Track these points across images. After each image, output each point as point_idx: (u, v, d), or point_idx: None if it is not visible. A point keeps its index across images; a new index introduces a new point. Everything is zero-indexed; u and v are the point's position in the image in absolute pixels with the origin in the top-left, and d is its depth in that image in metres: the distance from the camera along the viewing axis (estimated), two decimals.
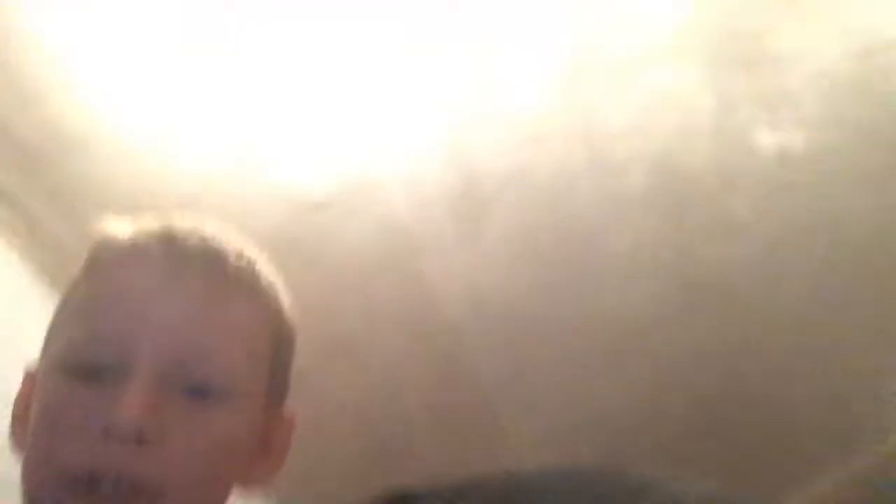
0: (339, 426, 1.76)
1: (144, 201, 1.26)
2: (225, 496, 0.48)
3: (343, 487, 1.80)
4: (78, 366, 0.45)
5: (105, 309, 0.46)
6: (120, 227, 0.49)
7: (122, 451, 0.41)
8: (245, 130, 1.28)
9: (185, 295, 0.46)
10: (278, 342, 0.51)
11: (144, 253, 0.47)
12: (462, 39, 1.26)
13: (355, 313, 1.64)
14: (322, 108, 1.29)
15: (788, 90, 1.33)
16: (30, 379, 0.49)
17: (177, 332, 0.45)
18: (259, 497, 0.51)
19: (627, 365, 1.76)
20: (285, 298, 0.52)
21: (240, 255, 0.49)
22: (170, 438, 0.43)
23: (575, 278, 1.60)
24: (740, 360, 1.76)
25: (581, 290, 1.62)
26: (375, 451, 1.80)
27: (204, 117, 1.25)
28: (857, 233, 1.52)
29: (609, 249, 1.54)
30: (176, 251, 0.47)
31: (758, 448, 1.87)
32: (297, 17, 1.19)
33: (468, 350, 1.71)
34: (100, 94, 1.22)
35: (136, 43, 1.17)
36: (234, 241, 0.50)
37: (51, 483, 0.43)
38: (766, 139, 1.38)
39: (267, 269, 0.51)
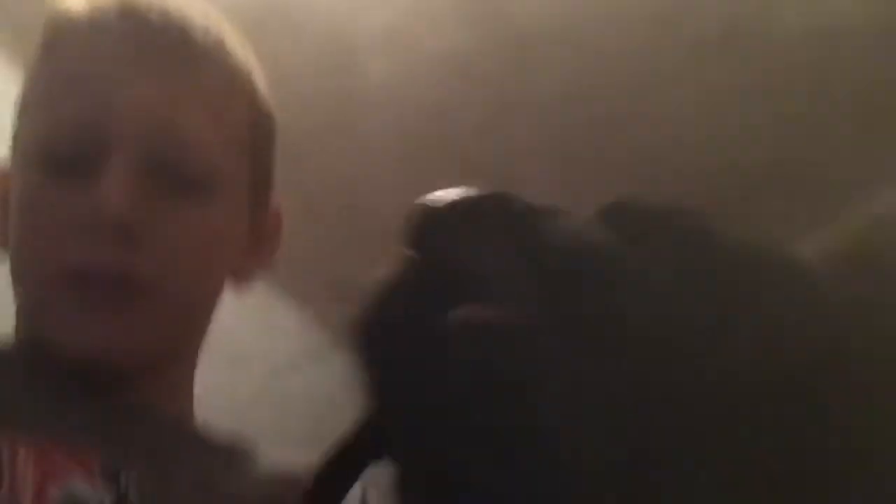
0: (331, 205, 1.78)
1: None
2: (218, 290, 0.47)
3: (338, 269, 1.84)
4: (50, 159, 0.42)
5: (67, 94, 0.43)
6: (74, 0, 0.45)
7: (110, 247, 0.40)
8: None
9: (149, 74, 0.43)
10: (256, 127, 0.48)
11: (102, 29, 0.43)
12: None
13: (343, 89, 1.60)
14: None
15: None
16: (3, 177, 0.46)
17: (146, 114, 0.42)
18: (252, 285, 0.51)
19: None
20: (260, 80, 0.48)
21: (207, 31, 0.45)
22: (158, 233, 0.41)
23: None
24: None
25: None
26: (368, 231, 1.83)
27: None
28: None
29: None
30: (136, 26, 0.43)
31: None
32: None
33: (467, 121, 1.68)
34: None
35: None
36: (201, 14, 0.46)
37: (41, 281, 0.42)
38: None
39: (239, 48, 0.47)
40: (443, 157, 1.73)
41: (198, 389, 0.48)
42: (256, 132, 0.48)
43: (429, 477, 0.21)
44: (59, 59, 0.44)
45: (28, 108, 0.45)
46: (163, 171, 0.42)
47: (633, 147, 1.72)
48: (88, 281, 0.40)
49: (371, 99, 1.62)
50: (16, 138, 0.45)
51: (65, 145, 0.42)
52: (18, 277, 0.43)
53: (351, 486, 0.23)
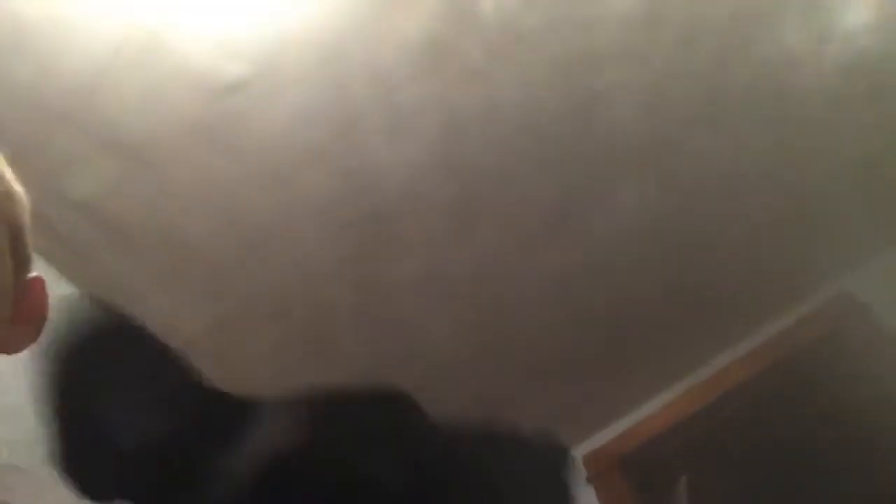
0: (258, 315, 1.75)
1: (42, 86, 1.19)
2: None
3: (262, 373, 1.80)
4: None
5: None
6: None
7: None
8: (148, 7, 1.21)
9: None
10: (9, 205, 0.51)
11: None
12: None
13: (273, 203, 1.57)
14: None
15: None
16: None
17: None
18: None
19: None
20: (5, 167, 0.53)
21: None
22: None
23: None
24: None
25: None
26: (294, 339, 1.82)
27: None
28: None
29: None
30: None
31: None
32: None
33: (391, 239, 1.70)
34: None
35: None
36: None
37: None
38: None
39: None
40: (364, 278, 1.74)
41: None
42: (13, 209, 0.51)
43: None
44: None
45: None
46: None
47: None
48: None
49: (302, 209, 1.62)
50: None
51: None
52: None
53: None
